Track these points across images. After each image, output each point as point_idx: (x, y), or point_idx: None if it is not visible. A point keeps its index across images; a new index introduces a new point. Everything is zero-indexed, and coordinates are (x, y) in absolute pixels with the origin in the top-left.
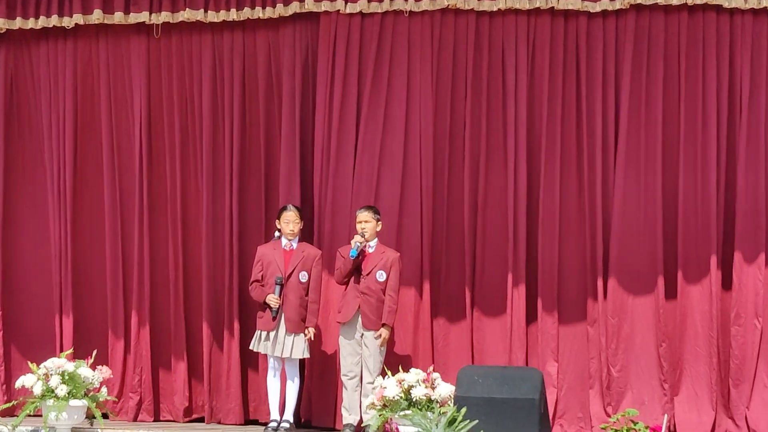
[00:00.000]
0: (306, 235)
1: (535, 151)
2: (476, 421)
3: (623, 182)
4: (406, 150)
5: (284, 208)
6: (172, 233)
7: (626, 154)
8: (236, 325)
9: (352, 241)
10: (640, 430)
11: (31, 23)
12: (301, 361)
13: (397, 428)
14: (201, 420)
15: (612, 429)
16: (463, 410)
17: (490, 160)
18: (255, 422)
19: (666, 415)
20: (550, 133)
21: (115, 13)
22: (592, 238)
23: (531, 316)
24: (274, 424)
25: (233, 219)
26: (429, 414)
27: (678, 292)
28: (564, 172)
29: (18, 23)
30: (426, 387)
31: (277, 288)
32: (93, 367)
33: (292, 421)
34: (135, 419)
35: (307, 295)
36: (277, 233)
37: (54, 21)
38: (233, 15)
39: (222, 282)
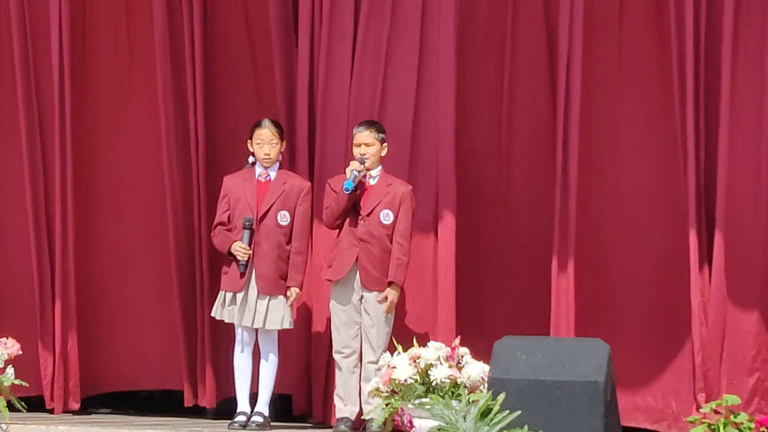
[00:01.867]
0: (289, 161)
1: (593, 70)
2: (518, 412)
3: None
4: (422, 45)
5: (257, 124)
6: (106, 157)
7: (732, 104)
8: (205, 284)
9: (348, 170)
10: (742, 424)
11: None
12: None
13: (410, 422)
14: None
15: (704, 423)
16: (501, 397)
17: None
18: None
19: None
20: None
21: None
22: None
23: (587, 269)
24: (242, 418)
25: (198, 139)
26: (454, 403)
27: None
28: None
29: None
30: (450, 366)
31: (246, 233)
32: None
33: (266, 414)
34: (64, 410)
35: (289, 243)
36: (250, 159)
37: None
38: None
39: (188, 226)
